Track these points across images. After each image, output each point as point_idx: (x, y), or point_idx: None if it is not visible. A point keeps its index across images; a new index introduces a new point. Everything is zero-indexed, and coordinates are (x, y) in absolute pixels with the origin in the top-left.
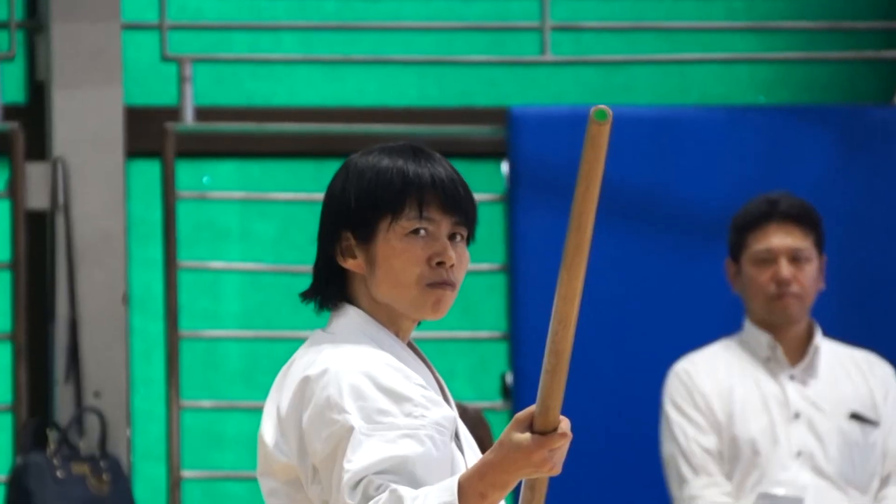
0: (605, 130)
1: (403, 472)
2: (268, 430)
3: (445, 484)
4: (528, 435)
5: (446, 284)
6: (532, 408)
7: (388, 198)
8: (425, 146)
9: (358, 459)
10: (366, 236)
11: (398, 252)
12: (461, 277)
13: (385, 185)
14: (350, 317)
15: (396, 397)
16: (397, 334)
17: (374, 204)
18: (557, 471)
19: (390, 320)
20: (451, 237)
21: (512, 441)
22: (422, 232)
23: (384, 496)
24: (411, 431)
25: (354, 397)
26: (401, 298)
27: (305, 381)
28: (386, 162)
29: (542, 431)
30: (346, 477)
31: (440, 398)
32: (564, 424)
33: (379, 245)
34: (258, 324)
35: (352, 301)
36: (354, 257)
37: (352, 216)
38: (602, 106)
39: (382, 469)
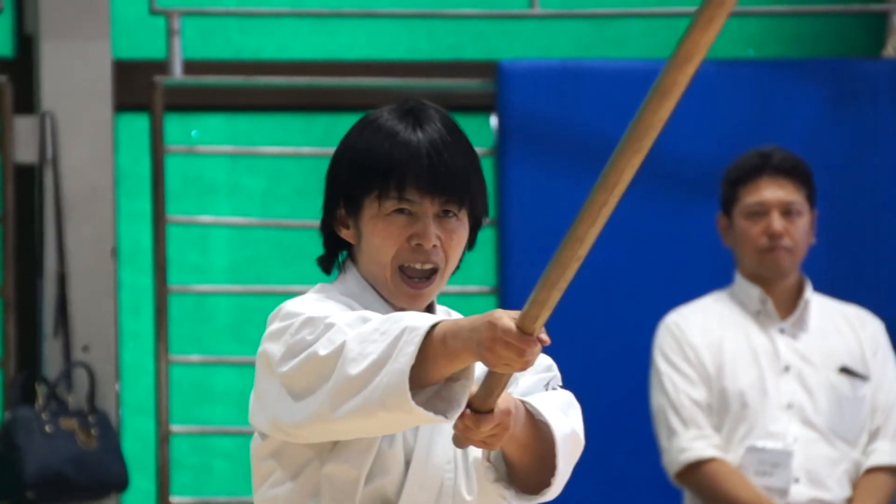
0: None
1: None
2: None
3: (428, 318)
4: (507, 319)
5: (421, 280)
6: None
7: (370, 178)
8: (430, 108)
9: (328, 315)
10: (353, 210)
11: (378, 230)
12: (453, 257)
13: (370, 163)
14: (346, 278)
15: (350, 308)
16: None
17: (359, 181)
18: (498, 367)
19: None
20: (445, 213)
21: (493, 314)
22: (405, 211)
23: (371, 315)
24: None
25: (310, 305)
26: (378, 278)
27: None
28: (381, 133)
29: (519, 327)
30: (316, 321)
31: None
32: (536, 344)
33: (364, 221)
34: (247, 278)
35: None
36: (348, 227)
37: (343, 188)
38: None
39: (350, 321)
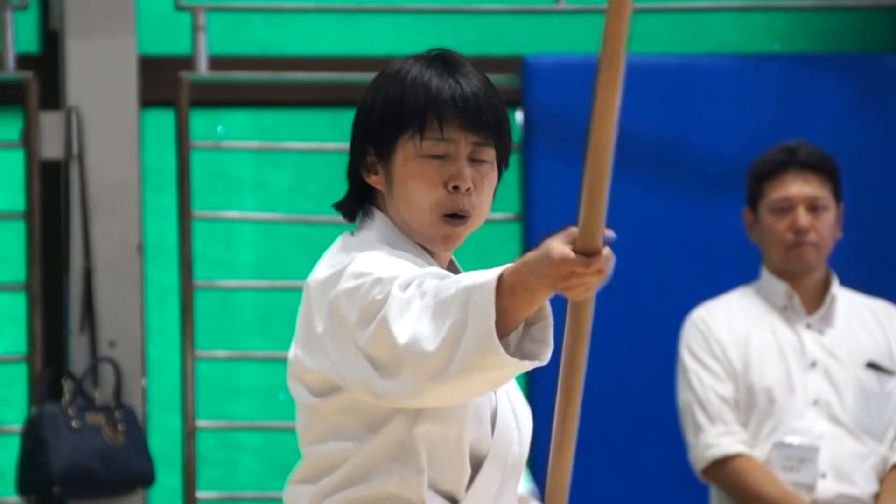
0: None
1: None
2: (299, 333)
3: (489, 273)
4: (561, 247)
5: (459, 217)
6: None
7: (407, 116)
8: (457, 54)
9: (400, 277)
10: (385, 154)
11: (413, 174)
12: (484, 203)
13: (405, 103)
14: (375, 224)
15: (414, 263)
16: (430, 253)
17: (392, 122)
18: (576, 296)
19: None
20: (476, 160)
21: (549, 246)
22: (441, 152)
23: (434, 284)
24: (441, 273)
25: (376, 265)
26: (413, 222)
27: (333, 275)
28: (413, 75)
29: (578, 251)
30: (392, 287)
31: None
32: (602, 258)
33: (397, 164)
34: (272, 273)
35: (381, 209)
36: (377, 173)
37: (374, 132)
38: None
39: (423, 282)
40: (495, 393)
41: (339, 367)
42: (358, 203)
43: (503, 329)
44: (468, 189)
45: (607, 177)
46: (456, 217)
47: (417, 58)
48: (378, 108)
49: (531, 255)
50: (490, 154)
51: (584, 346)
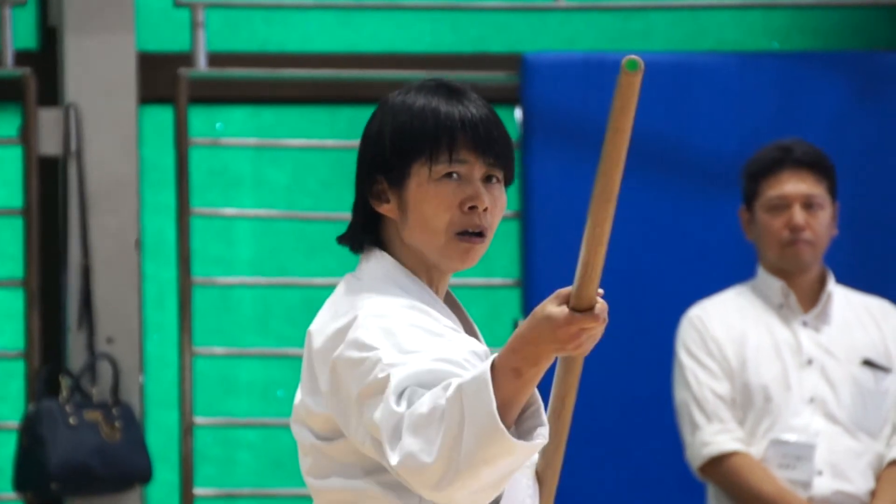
0: (636, 81)
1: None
2: (303, 380)
3: (481, 365)
4: (561, 309)
5: (476, 235)
6: (571, 287)
7: (420, 141)
8: (455, 82)
9: (397, 374)
10: (398, 180)
11: (430, 197)
12: (496, 222)
13: (417, 128)
14: (379, 262)
15: (428, 332)
16: (429, 283)
17: (406, 147)
18: (585, 351)
19: (422, 268)
20: (487, 180)
21: (544, 313)
22: (454, 175)
23: (426, 396)
24: (447, 356)
25: (385, 336)
26: (430, 245)
27: (336, 333)
28: (420, 103)
29: (576, 309)
30: (388, 386)
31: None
32: (599, 307)
33: (411, 189)
34: (271, 270)
35: (385, 246)
36: (388, 202)
37: (385, 160)
38: (633, 56)
39: (423, 382)
40: None
41: (345, 426)
42: (366, 234)
43: (507, 417)
44: (485, 209)
45: (606, 239)
46: (473, 235)
47: (419, 87)
48: (388, 136)
49: (524, 331)
50: (500, 175)
51: (574, 395)
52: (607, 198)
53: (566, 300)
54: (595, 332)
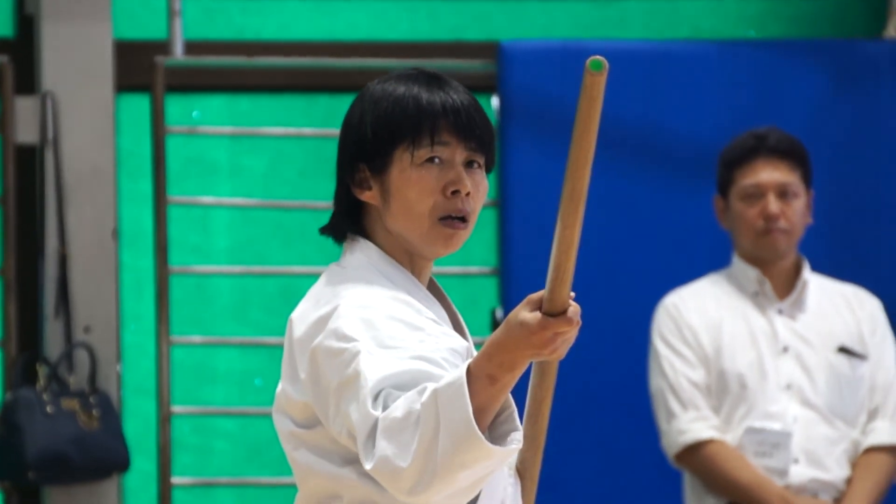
0: (601, 81)
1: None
2: (284, 368)
3: (456, 371)
4: (534, 314)
5: (459, 220)
6: (543, 291)
7: (402, 127)
8: (434, 71)
9: (374, 373)
10: (380, 167)
11: (412, 182)
12: (478, 207)
13: (399, 114)
14: (363, 251)
15: (408, 326)
16: (412, 271)
17: (388, 134)
18: (560, 355)
19: (405, 256)
20: (469, 165)
21: (517, 319)
22: (436, 160)
23: (400, 399)
24: (425, 354)
25: (365, 327)
26: (413, 231)
27: (317, 322)
28: (401, 90)
29: (549, 313)
30: (364, 386)
31: (453, 332)
32: (572, 310)
33: (393, 176)
34: (248, 259)
35: (368, 235)
36: (370, 189)
37: (366, 147)
38: (598, 56)
39: (399, 383)
40: None
41: (323, 415)
42: (349, 223)
43: (482, 422)
44: (468, 193)
45: (577, 242)
46: (456, 219)
47: (399, 76)
48: (369, 123)
49: (498, 337)
50: (482, 161)
51: (550, 399)
52: (576, 200)
53: (539, 305)
54: (569, 335)
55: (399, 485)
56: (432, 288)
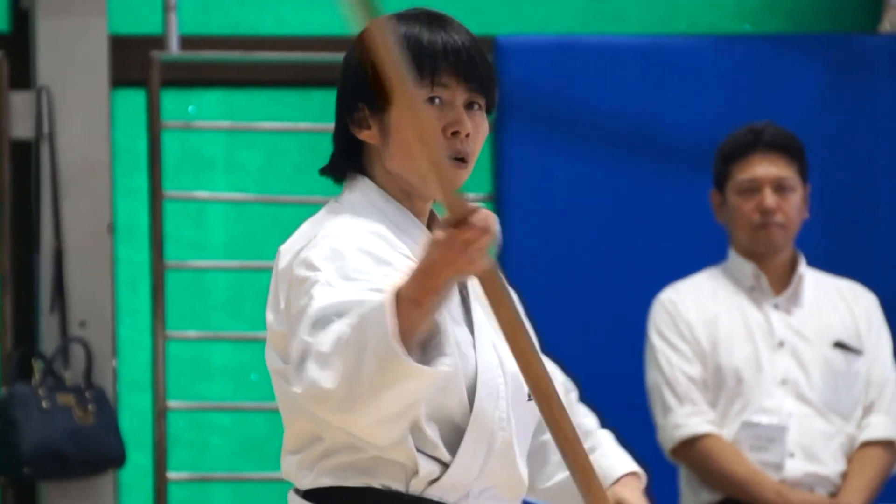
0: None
1: None
2: (269, 300)
3: (383, 295)
4: (444, 229)
5: (459, 161)
6: None
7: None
8: (441, 12)
9: (322, 299)
10: (379, 106)
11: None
12: (478, 149)
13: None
14: (360, 188)
15: (376, 260)
16: (411, 210)
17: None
18: (476, 267)
19: (403, 195)
20: (469, 106)
21: (431, 240)
22: (436, 101)
23: (333, 324)
24: (384, 287)
25: (332, 258)
26: (412, 171)
27: (297, 252)
28: (402, 30)
29: (452, 224)
30: (307, 313)
31: None
32: (477, 216)
33: (392, 115)
34: (244, 254)
35: (366, 174)
36: (369, 128)
37: (365, 87)
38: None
39: (342, 311)
40: (475, 360)
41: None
42: (348, 162)
43: (408, 344)
44: (467, 134)
45: (436, 145)
46: (456, 160)
47: (401, 16)
48: (369, 63)
49: (419, 261)
50: (482, 102)
51: (510, 311)
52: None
53: (447, 222)
54: (480, 242)
55: (326, 406)
56: (433, 221)
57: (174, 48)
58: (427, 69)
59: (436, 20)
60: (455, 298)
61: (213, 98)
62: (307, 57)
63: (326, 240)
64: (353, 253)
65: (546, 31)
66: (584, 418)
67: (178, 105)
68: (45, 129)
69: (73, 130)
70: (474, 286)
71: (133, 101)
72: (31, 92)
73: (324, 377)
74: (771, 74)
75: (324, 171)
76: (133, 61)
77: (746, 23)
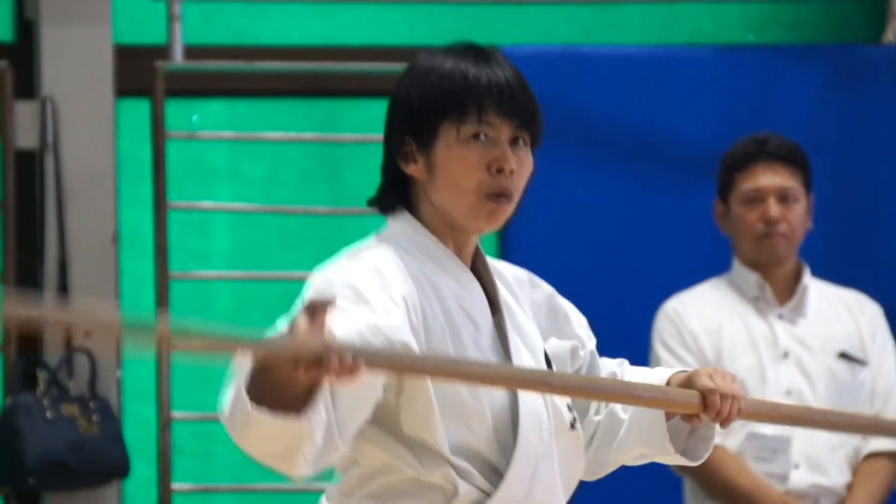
0: None
1: None
2: None
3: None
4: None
5: (503, 196)
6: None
7: (448, 102)
8: (488, 47)
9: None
10: (426, 142)
11: (457, 158)
12: (522, 185)
13: (446, 89)
14: (401, 222)
15: (359, 297)
16: (453, 244)
17: (434, 109)
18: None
19: (446, 229)
20: (514, 142)
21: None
22: (482, 137)
23: None
24: (348, 319)
25: (323, 288)
26: (458, 206)
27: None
28: (448, 66)
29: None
30: None
31: (401, 312)
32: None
33: (439, 151)
34: (248, 264)
35: (412, 207)
36: (416, 162)
37: (413, 121)
38: None
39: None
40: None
41: None
42: (395, 195)
43: (265, 391)
44: (511, 171)
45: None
46: (500, 196)
47: (447, 51)
48: (416, 97)
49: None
50: (527, 139)
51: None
52: None
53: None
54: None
55: (229, 429)
56: (481, 263)
57: (178, 58)
58: (473, 105)
59: (483, 56)
60: (487, 327)
61: (217, 108)
62: (311, 67)
63: (327, 271)
64: (339, 287)
65: (548, 42)
66: (616, 367)
67: (183, 115)
68: (50, 139)
69: (77, 140)
70: (510, 315)
71: (137, 111)
72: (36, 102)
73: (224, 401)
74: (774, 85)
75: (371, 203)
76: (137, 71)
77: (750, 33)
